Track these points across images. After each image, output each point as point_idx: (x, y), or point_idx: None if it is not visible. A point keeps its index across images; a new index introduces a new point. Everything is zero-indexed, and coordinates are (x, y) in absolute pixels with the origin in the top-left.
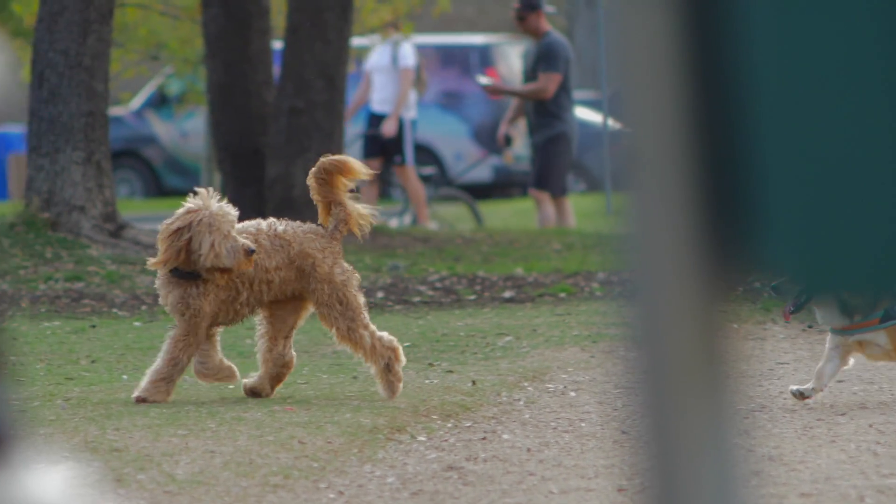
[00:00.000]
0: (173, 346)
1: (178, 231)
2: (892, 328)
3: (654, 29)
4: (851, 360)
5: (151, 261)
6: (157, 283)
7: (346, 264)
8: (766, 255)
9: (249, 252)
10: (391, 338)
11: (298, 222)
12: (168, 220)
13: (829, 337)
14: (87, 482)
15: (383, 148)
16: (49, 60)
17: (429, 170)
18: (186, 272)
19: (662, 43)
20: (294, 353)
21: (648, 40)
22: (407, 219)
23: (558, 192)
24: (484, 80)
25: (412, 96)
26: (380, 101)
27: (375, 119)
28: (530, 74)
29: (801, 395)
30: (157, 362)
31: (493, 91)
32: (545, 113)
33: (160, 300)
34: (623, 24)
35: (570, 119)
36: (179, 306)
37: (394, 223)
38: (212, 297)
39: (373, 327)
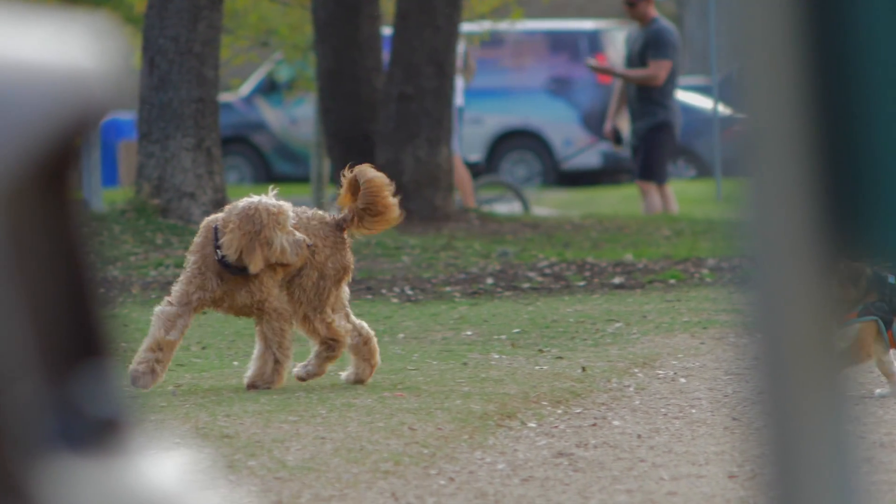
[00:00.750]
0: (281, 336)
1: (254, 230)
2: None
3: (769, 11)
4: None
5: (255, 267)
6: (196, 280)
7: (349, 256)
8: (883, 240)
9: (308, 246)
10: (355, 329)
11: (305, 208)
12: (231, 218)
13: None
14: (200, 468)
15: None
16: (159, 47)
17: (475, 157)
18: (239, 268)
19: (778, 25)
20: (364, 323)
21: (764, 23)
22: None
23: (663, 181)
24: (593, 62)
25: (459, 83)
26: None
27: None
28: (636, 60)
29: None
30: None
31: (602, 73)
32: (649, 101)
33: (207, 297)
34: (738, 6)
35: (673, 107)
36: (258, 303)
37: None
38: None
39: (332, 319)
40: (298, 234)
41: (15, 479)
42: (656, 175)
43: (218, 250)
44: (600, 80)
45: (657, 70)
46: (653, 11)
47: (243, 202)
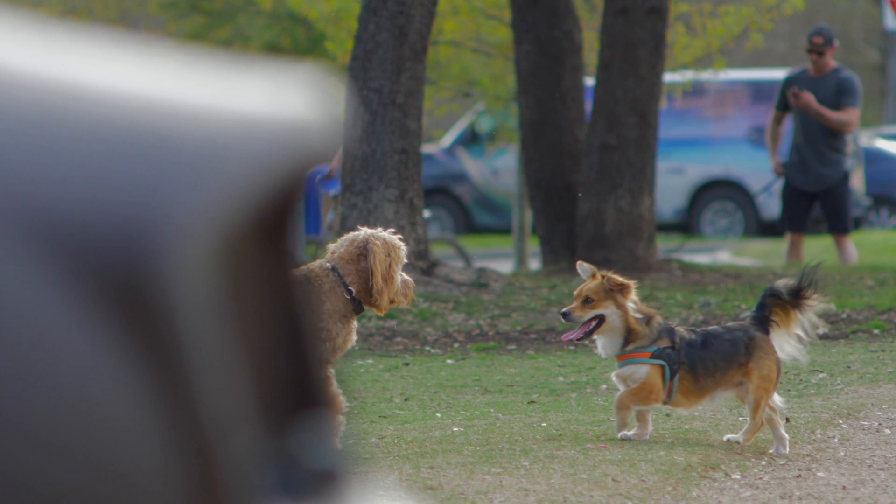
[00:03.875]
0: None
1: (387, 262)
2: None
3: None
4: None
5: (384, 303)
6: (343, 325)
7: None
8: None
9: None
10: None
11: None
12: (377, 243)
13: None
14: None
15: None
16: (363, 98)
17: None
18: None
19: None
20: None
21: None
22: None
23: (850, 230)
24: (799, 93)
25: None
26: None
27: None
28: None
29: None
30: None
31: (801, 102)
32: (835, 149)
33: (343, 337)
34: None
35: (851, 157)
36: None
37: None
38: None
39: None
40: (406, 275)
41: None
42: (850, 225)
43: (349, 289)
44: (793, 102)
45: (852, 117)
46: (832, 60)
47: (364, 233)
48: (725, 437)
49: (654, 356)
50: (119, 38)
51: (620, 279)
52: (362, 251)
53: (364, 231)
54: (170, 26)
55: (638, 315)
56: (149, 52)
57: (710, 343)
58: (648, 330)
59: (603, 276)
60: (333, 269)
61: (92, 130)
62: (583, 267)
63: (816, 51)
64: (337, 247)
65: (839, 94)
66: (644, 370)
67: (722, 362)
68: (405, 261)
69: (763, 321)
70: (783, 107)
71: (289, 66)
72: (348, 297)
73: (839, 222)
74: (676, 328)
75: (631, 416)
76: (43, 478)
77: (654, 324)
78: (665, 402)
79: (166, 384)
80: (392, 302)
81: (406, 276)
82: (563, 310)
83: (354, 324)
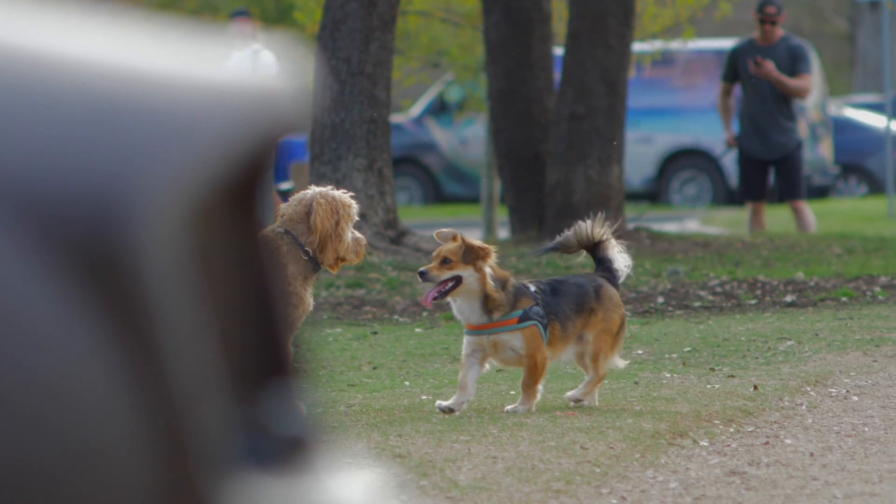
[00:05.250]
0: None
1: (333, 220)
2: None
3: None
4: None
5: (328, 259)
6: (305, 289)
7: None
8: None
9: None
10: None
11: None
12: (318, 199)
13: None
14: (381, 488)
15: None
16: (332, 68)
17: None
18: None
19: None
20: None
21: None
22: None
23: (805, 196)
24: (760, 63)
25: None
26: None
27: None
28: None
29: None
30: None
31: (762, 71)
32: (790, 117)
33: (305, 301)
34: None
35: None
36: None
37: None
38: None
39: None
40: (357, 233)
41: (203, 498)
42: (804, 191)
43: (306, 249)
44: (753, 71)
45: (809, 83)
46: (780, 29)
47: (316, 190)
48: (566, 396)
49: (522, 319)
50: (87, 8)
51: (479, 243)
52: (309, 210)
53: (312, 190)
54: None
55: (493, 281)
56: (117, 21)
57: (558, 290)
58: (505, 295)
59: (463, 240)
60: (287, 231)
61: (60, 100)
62: (443, 233)
63: (770, 20)
64: (286, 208)
65: (793, 61)
66: (520, 338)
67: (575, 305)
68: (356, 218)
69: (610, 272)
70: (732, 77)
71: (262, 37)
72: (306, 258)
73: (794, 188)
74: (527, 284)
75: (541, 390)
76: (13, 447)
77: (510, 287)
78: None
79: (136, 353)
80: (342, 259)
81: (358, 234)
82: (421, 269)
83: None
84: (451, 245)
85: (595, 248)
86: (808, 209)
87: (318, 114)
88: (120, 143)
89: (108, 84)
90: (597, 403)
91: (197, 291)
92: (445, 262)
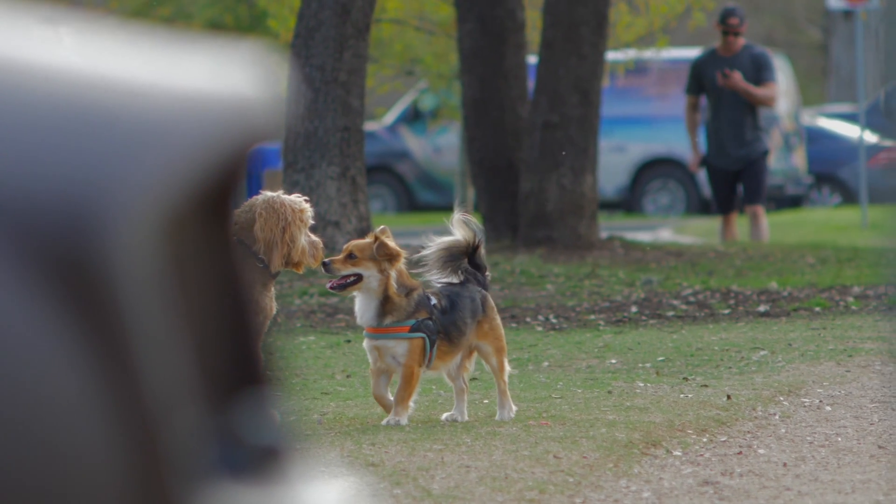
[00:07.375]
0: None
1: (280, 226)
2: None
3: None
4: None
5: (275, 266)
6: (268, 292)
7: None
8: None
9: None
10: None
11: None
12: (258, 210)
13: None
14: (354, 497)
15: None
16: (306, 75)
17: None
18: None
19: None
20: None
21: None
22: None
23: (764, 202)
24: (728, 74)
25: None
26: None
27: None
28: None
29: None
30: None
31: (730, 82)
32: (757, 127)
33: (268, 307)
34: (887, 34)
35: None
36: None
37: None
38: None
39: None
40: (314, 237)
41: None
42: (764, 197)
43: (260, 257)
44: (721, 83)
45: (776, 91)
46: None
47: (263, 196)
48: (444, 416)
49: (413, 329)
50: (61, 16)
51: (392, 246)
52: (255, 217)
53: (261, 196)
54: (112, 4)
55: (398, 286)
56: (91, 29)
57: (455, 304)
58: (406, 302)
59: (376, 239)
60: (239, 241)
61: (33, 108)
62: (380, 228)
63: (733, 31)
64: (238, 215)
65: (758, 70)
66: (404, 346)
67: (469, 319)
68: (311, 222)
69: (482, 281)
70: (697, 90)
71: (231, 44)
72: (261, 265)
73: (756, 193)
74: (432, 295)
75: (412, 404)
76: None
77: (414, 296)
78: (425, 369)
79: (109, 361)
80: (297, 264)
81: (314, 238)
82: (324, 259)
83: (272, 290)
84: (363, 241)
85: (473, 255)
86: (765, 217)
87: (292, 122)
88: (92, 151)
89: (80, 92)
90: (467, 417)
91: (170, 300)
92: (351, 256)
